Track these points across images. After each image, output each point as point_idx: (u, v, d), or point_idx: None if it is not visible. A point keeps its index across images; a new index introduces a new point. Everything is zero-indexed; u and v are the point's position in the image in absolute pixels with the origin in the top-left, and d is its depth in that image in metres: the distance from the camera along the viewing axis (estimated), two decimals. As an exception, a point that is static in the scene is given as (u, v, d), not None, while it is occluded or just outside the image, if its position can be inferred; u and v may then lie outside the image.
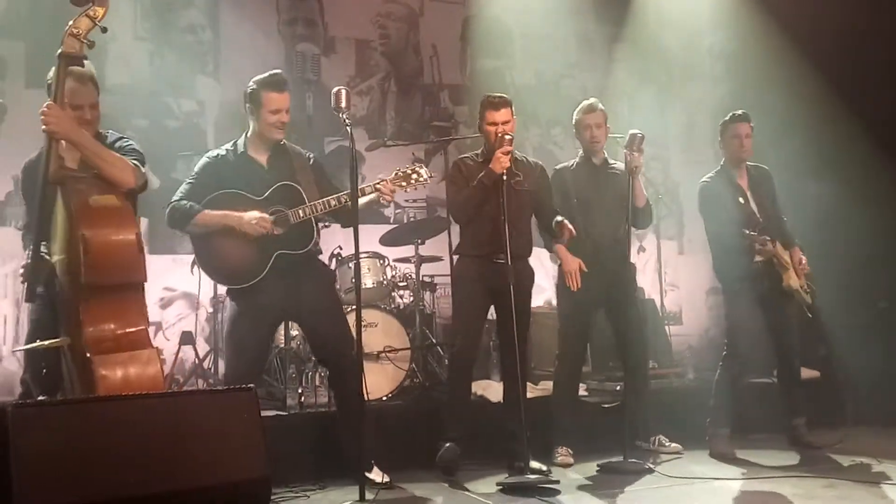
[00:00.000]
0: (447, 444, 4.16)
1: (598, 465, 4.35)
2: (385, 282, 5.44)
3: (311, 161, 4.10)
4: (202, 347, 5.59)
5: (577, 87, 7.64)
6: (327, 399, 4.64)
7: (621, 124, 4.78)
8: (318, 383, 4.82)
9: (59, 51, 3.10)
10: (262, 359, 4.22)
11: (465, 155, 4.53)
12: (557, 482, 3.92)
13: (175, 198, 3.91)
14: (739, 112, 4.88)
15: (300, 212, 3.79)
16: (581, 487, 4.01)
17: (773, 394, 5.10)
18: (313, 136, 6.36)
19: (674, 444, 4.74)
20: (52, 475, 2.42)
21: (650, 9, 7.26)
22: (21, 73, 5.78)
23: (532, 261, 4.48)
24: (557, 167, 4.87)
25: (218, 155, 4.01)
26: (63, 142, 3.16)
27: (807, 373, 5.14)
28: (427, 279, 5.78)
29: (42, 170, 3.15)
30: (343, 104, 3.67)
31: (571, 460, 4.49)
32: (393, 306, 5.57)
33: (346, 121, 3.68)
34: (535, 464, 4.13)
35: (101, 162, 3.22)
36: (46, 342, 3.09)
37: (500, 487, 3.93)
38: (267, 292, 3.81)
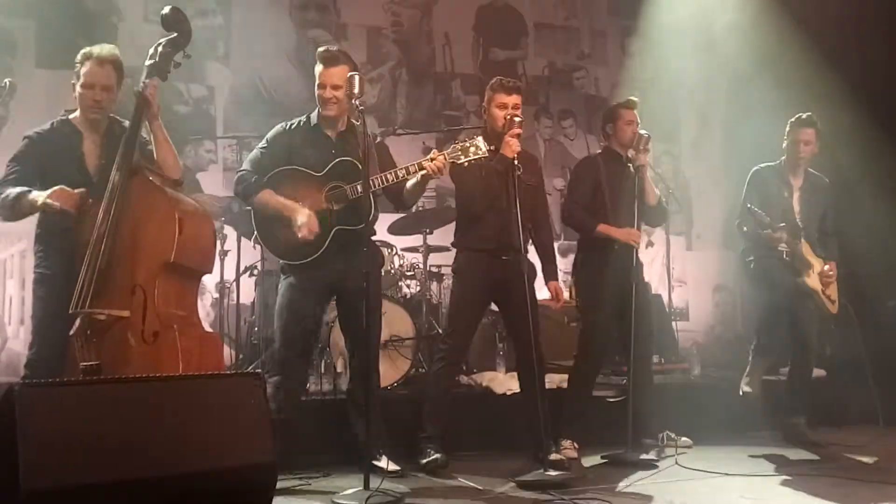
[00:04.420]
0: (434, 455, 4.05)
1: (601, 456, 4.36)
2: (392, 271, 5.43)
3: (377, 140, 4.11)
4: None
5: (589, 80, 7.61)
6: (332, 387, 4.63)
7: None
8: (322, 371, 4.81)
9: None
10: (318, 331, 4.25)
11: None
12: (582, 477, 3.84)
13: (245, 166, 3.94)
14: (804, 116, 4.78)
15: (358, 187, 3.71)
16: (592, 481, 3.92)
17: (776, 391, 5.07)
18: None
19: (684, 438, 4.72)
20: (58, 455, 2.40)
21: (664, 2, 7.21)
22: (31, 52, 5.77)
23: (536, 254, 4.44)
24: (590, 156, 4.89)
25: (291, 125, 4.01)
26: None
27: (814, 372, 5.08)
28: (434, 269, 5.75)
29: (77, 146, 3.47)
30: (356, 90, 3.63)
31: (575, 454, 4.45)
32: (400, 296, 5.56)
33: (360, 107, 3.64)
34: (555, 455, 4.11)
35: (170, 149, 3.43)
36: (113, 311, 3.14)
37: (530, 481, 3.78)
38: (324, 267, 3.82)
